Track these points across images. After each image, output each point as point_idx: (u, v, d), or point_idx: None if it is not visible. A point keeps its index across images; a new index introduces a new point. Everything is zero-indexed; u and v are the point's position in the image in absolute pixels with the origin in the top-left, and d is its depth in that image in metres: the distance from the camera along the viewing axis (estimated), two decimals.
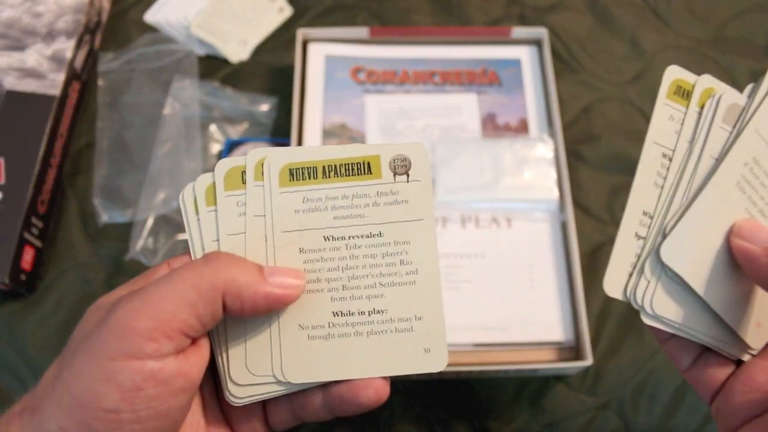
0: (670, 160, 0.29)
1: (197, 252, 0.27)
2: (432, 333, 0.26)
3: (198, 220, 0.27)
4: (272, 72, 0.58)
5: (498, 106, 0.54)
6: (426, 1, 0.62)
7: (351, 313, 0.26)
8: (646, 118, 0.56)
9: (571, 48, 0.60)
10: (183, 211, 0.27)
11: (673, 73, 0.30)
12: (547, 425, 0.45)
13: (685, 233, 0.27)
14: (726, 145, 0.28)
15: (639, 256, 0.28)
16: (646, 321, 0.28)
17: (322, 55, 0.56)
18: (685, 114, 0.29)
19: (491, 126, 0.54)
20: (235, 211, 0.27)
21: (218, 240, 0.27)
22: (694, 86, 0.29)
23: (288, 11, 0.61)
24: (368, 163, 0.26)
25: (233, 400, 0.26)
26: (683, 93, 0.29)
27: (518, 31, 0.56)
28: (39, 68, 0.53)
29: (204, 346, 0.25)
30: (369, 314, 0.26)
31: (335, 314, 0.26)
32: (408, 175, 0.27)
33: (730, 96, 0.29)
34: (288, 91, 0.55)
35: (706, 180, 0.28)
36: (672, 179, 0.29)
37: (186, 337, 0.24)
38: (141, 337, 0.23)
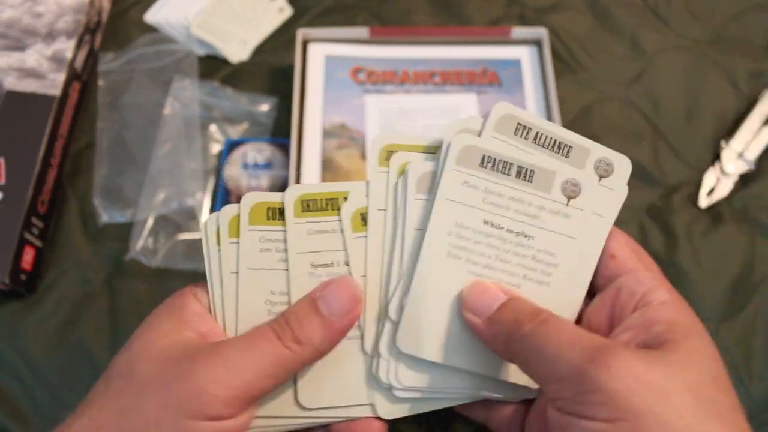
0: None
1: (215, 282, 0.27)
2: None
3: (219, 250, 0.27)
4: (272, 72, 0.58)
5: None
6: (426, 2, 0.62)
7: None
8: (647, 118, 0.56)
9: (571, 48, 0.60)
10: (204, 240, 0.27)
11: (382, 141, 0.28)
12: None
13: (414, 318, 0.26)
14: (424, 216, 0.27)
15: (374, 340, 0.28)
16: (400, 395, 0.28)
17: (322, 55, 0.56)
18: (386, 189, 0.28)
19: None
20: (257, 246, 0.27)
21: (237, 272, 0.27)
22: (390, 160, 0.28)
23: (288, 11, 0.61)
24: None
25: None
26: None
27: (518, 31, 0.56)
28: (39, 68, 0.53)
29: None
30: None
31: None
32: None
33: (418, 166, 0.27)
34: (288, 91, 0.55)
35: (416, 259, 0.27)
36: (382, 257, 0.27)
37: (260, 397, 0.25)
38: (222, 403, 0.23)
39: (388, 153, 0.28)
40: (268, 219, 0.27)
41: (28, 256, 0.48)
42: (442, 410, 0.45)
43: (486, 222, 0.27)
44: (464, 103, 0.54)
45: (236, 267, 0.27)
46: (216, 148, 0.55)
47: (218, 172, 0.54)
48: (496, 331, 0.25)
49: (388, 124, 0.53)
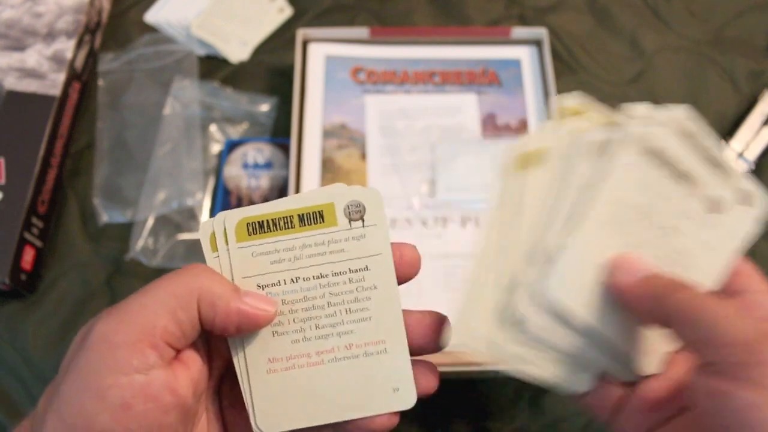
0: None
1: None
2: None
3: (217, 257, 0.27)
4: (272, 72, 0.58)
5: (498, 106, 0.54)
6: (426, 2, 0.62)
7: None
8: None
9: (571, 48, 0.60)
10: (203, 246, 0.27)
11: (567, 100, 0.29)
12: (547, 425, 0.45)
13: (567, 266, 0.27)
14: (595, 180, 0.28)
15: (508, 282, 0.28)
16: (528, 335, 0.28)
17: (322, 55, 0.56)
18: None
19: (491, 126, 0.54)
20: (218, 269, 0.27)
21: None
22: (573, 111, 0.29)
23: (288, 11, 0.61)
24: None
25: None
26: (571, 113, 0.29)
27: (518, 32, 0.56)
28: (39, 68, 0.53)
29: (192, 363, 0.25)
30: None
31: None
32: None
33: (598, 131, 0.28)
34: (288, 91, 0.55)
35: (581, 214, 0.27)
36: (536, 213, 0.28)
37: (169, 346, 0.24)
38: (124, 349, 0.22)
39: (573, 112, 0.29)
40: (249, 234, 0.27)
41: (28, 256, 0.48)
42: (442, 410, 0.45)
43: (643, 210, 0.28)
44: (464, 103, 0.54)
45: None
46: (216, 148, 0.55)
47: (218, 172, 0.54)
48: (648, 290, 0.26)
49: (388, 124, 0.53)
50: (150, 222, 0.51)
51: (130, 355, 0.22)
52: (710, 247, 0.29)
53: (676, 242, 0.28)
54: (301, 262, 0.26)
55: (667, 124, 0.29)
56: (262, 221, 0.27)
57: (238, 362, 0.26)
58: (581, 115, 0.30)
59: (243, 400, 0.26)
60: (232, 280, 0.26)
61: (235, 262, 0.26)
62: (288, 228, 0.27)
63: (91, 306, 0.48)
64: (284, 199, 0.27)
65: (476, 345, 0.27)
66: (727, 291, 0.29)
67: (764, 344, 0.22)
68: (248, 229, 0.27)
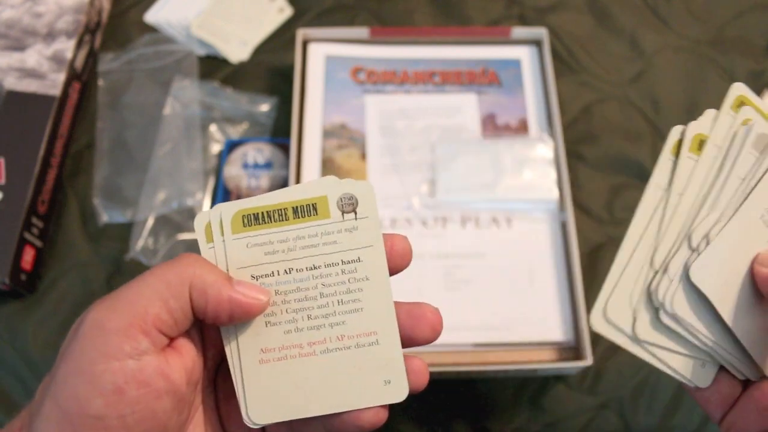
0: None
1: None
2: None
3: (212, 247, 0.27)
4: (272, 72, 0.58)
5: (498, 106, 0.54)
6: (426, 2, 0.62)
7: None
8: (646, 118, 0.56)
9: (571, 48, 0.60)
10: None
11: (738, 90, 0.30)
12: (547, 425, 0.45)
13: (714, 256, 0.28)
14: (754, 173, 0.29)
15: (662, 260, 0.29)
16: (664, 320, 0.28)
17: (322, 55, 0.56)
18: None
19: (491, 126, 0.54)
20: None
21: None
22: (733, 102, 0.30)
23: (288, 11, 0.61)
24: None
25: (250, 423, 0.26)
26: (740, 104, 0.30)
27: (518, 32, 0.56)
28: (39, 68, 0.53)
29: (185, 351, 0.25)
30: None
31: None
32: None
33: (762, 125, 0.29)
34: (288, 91, 0.55)
35: (736, 206, 0.28)
36: (693, 197, 0.29)
37: (161, 334, 0.24)
38: (117, 335, 0.23)
39: (740, 102, 0.30)
40: (244, 226, 0.27)
41: (28, 256, 0.48)
42: (442, 410, 0.45)
43: None
44: (464, 103, 0.54)
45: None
46: (216, 148, 0.55)
47: (218, 172, 0.54)
48: None
49: (388, 124, 0.53)
50: (150, 222, 0.51)
51: (122, 341, 0.23)
52: None
53: None
54: (294, 253, 0.27)
55: None
56: (257, 213, 0.27)
57: (230, 351, 0.26)
58: (748, 105, 0.30)
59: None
60: (227, 270, 0.26)
61: (230, 252, 0.27)
62: (282, 220, 0.27)
63: None
64: (278, 191, 0.27)
65: (615, 324, 0.28)
66: None
67: None
68: (243, 221, 0.27)
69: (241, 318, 0.25)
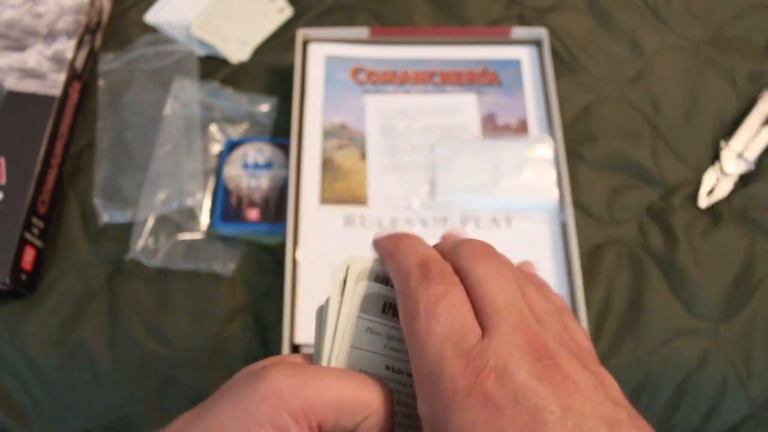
0: None
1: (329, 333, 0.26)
2: None
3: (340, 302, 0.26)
4: (272, 72, 0.58)
5: (498, 106, 0.54)
6: (426, 2, 0.62)
7: None
8: (646, 119, 0.56)
9: (571, 48, 0.60)
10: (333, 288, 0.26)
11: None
12: None
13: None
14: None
15: None
16: None
17: (323, 55, 0.56)
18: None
19: (491, 126, 0.54)
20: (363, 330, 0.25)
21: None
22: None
23: (288, 11, 0.61)
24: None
25: None
26: None
27: (518, 32, 0.56)
28: (40, 68, 0.53)
29: None
30: None
31: None
32: None
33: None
34: (288, 92, 0.55)
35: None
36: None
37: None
38: (290, 415, 0.22)
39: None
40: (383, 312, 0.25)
41: (28, 256, 0.48)
42: None
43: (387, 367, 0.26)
44: (464, 103, 0.54)
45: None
46: (216, 148, 0.55)
47: (218, 172, 0.54)
48: None
49: (388, 124, 0.53)
50: (150, 222, 0.51)
51: (292, 422, 0.22)
52: None
53: None
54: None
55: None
56: (393, 304, 0.25)
57: None
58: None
59: None
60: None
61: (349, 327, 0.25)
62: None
63: (91, 306, 0.48)
64: None
65: None
66: None
67: None
68: (384, 306, 0.25)
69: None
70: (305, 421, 0.22)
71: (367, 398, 0.23)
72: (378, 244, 0.26)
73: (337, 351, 0.25)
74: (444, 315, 0.22)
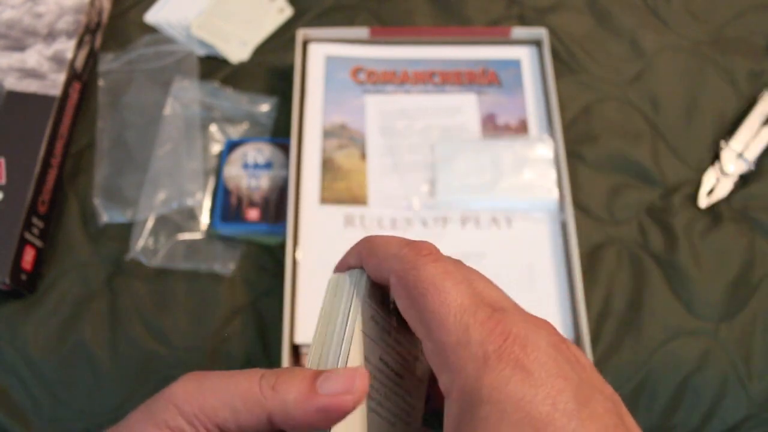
0: None
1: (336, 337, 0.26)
2: None
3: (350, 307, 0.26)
4: (272, 72, 0.58)
5: (498, 106, 0.54)
6: (426, 2, 0.62)
7: None
8: (646, 118, 0.56)
9: (571, 48, 0.60)
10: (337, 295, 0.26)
11: None
12: None
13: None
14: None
15: None
16: None
17: (323, 55, 0.56)
18: None
19: (491, 126, 0.54)
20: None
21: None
22: None
23: (288, 11, 0.61)
24: None
25: None
26: None
27: (518, 32, 0.56)
28: (39, 68, 0.53)
29: None
30: None
31: None
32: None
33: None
34: (288, 92, 0.55)
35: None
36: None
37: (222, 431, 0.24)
38: (184, 419, 0.24)
39: None
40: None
41: (28, 256, 0.48)
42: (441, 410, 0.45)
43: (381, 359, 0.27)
44: (464, 103, 0.54)
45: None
46: (216, 148, 0.55)
47: (218, 172, 0.54)
48: None
49: (388, 124, 0.53)
50: (150, 222, 0.51)
51: (186, 425, 0.24)
52: None
53: None
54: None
55: None
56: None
57: None
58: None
59: None
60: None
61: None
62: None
63: (91, 306, 0.48)
64: None
65: None
66: None
67: None
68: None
69: (339, 417, 0.24)
70: (200, 423, 0.24)
71: (258, 395, 0.24)
72: (348, 258, 0.27)
73: (350, 331, 0.25)
74: (454, 289, 0.23)
